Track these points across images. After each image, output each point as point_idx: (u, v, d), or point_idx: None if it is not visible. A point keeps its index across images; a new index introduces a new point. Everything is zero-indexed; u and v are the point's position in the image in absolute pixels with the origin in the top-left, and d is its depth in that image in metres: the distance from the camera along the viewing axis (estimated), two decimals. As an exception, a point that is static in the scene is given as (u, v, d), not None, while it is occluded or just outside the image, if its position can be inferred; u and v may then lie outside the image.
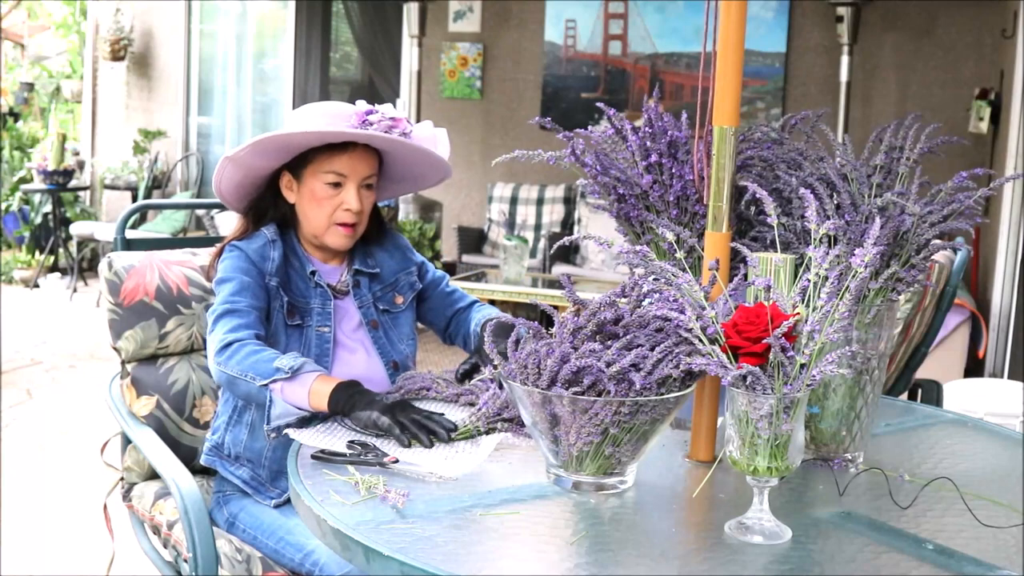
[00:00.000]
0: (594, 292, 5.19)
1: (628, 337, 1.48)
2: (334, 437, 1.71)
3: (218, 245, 2.04)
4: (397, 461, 1.58)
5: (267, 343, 1.90)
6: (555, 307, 1.65)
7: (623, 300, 1.54)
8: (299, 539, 1.87)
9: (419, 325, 2.17)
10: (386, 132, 1.92)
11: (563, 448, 1.46)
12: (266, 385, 1.77)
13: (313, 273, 2.00)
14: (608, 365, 1.42)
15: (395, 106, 1.97)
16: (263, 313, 1.93)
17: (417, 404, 1.87)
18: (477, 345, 2.00)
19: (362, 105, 1.94)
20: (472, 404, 1.86)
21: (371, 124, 1.92)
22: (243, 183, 2.00)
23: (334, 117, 1.93)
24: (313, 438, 1.70)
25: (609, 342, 1.48)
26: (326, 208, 1.96)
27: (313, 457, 1.60)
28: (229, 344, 1.83)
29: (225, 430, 2.02)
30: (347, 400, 1.74)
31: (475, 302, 2.16)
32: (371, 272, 2.07)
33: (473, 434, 1.71)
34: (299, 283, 1.99)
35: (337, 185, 1.96)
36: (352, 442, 1.65)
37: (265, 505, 1.98)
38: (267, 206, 2.02)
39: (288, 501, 1.95)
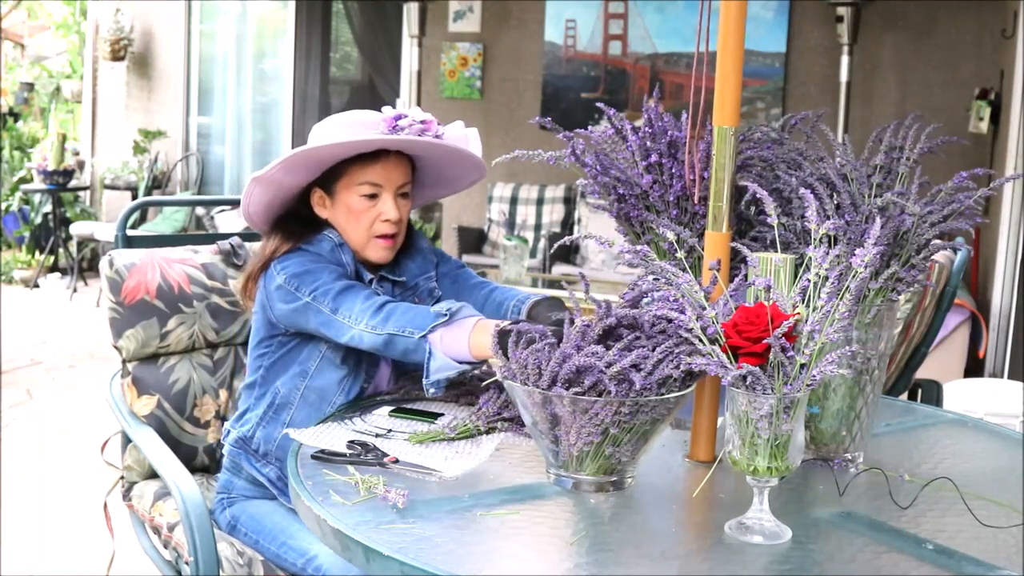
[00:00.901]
0: (594, 292, 5.20)
1: (629, 338, 1.48)
2: (334, 437, 1.71)
3: (255, 263, 1.95)
4: (397, 461, 1.58)
5: (322, 347, 1.88)
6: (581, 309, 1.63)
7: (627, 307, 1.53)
8: (301, 544, 1.85)
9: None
10: (418, 136, 1.87)
11: (563, 448, 1.46)
12: (424, 336, 1.71)
13: (371, 282, 1.95)
14: (608, 366, 1.42)
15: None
16: None
17: (418, 405, 1.87)
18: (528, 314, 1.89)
19: (389, 111, 1.89)
20: (471, 404, 1.86)
21: (401, 129, 1.87)
22: (272, 204, 1.95)
23: (362, 126, 1.88)
24: (313, 438, 1.71)
25: (611, 342, 1.48)
26: (364, 221, 1.91)
27: (313, 457, 1.60)
28: (382, 305, 1.78)
29: (257, 425, 1.97)
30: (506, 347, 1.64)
31: (492, 289, 2.05)
32: (398, 280, 2.01)
33: (473, 434, 1.71)
34: None
35: (373, 196, 1.91)
36: (352, 442, 1.65)
37: (285, 506, 1.95)
38: (300, 225, 1.94)
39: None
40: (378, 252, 1.94)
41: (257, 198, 1.92)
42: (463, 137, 1.97)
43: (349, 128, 1.88)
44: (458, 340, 1.71)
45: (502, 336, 1.58)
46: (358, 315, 1.79)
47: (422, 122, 1.88)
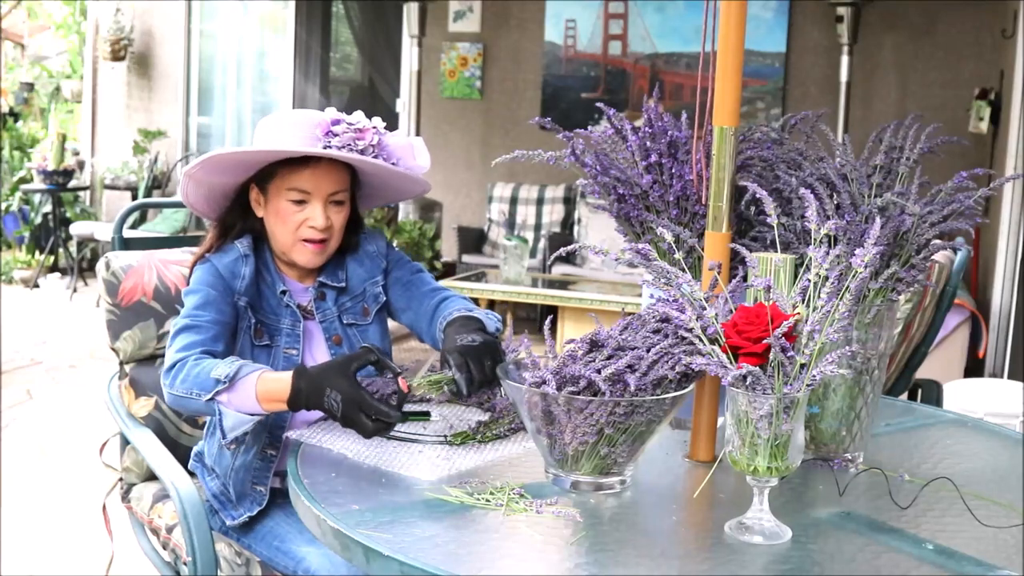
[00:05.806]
0: (594, 292, 5.21)
1: (623, 336, 1.48)
2: (334, 435, 1.71)
3: (193, 256, 1.95)
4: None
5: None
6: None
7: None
8: (291, 547, 1.84)
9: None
10: (347, 145, 1.81)
11: (558, 447, 1.46)
12: (212, 399, 1.68)
13: (284, 293, 1.91)
14: (599, 372, 1.41)
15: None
16: (226, 328, 1.83)
17: (443, 407, 1.86)
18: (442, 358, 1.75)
19: (330, 113, 1.83)
20: (451, 401, 1.87)
21: (335, 135, 1.81)
22: (211, 196, 1.92)
23: (298, 128, 1.83)
24: (313, 436, 1.71)
25: (603, 351, 1.48)
26: (290, 224, 1.86)
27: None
28: (174, 364, 1.74)
29: (205, 439, 1.96)
30: (307, 399, 1.63)
31: (443, 299, 1.97)
32: (337, 286, 1.96)
33: (500, 434, 1.72)
34: (271, 300, 1.91)
35: (302, 202, 1.86)
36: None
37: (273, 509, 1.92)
38: (235, 220, 1.92)
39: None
40: (304, 256, 1.89)
41: (192, 191, 1.90)
42: (407, 146, 1.90)
43: (287, 129, 1.83)
44: (245, 399, 1.68)
45: (295, 395, 1.63)
46: (164, 367, 1.77)
47: (358, 130, 1.82)
